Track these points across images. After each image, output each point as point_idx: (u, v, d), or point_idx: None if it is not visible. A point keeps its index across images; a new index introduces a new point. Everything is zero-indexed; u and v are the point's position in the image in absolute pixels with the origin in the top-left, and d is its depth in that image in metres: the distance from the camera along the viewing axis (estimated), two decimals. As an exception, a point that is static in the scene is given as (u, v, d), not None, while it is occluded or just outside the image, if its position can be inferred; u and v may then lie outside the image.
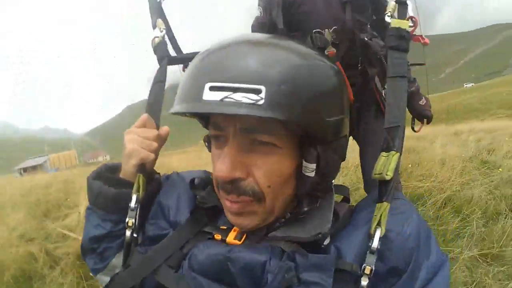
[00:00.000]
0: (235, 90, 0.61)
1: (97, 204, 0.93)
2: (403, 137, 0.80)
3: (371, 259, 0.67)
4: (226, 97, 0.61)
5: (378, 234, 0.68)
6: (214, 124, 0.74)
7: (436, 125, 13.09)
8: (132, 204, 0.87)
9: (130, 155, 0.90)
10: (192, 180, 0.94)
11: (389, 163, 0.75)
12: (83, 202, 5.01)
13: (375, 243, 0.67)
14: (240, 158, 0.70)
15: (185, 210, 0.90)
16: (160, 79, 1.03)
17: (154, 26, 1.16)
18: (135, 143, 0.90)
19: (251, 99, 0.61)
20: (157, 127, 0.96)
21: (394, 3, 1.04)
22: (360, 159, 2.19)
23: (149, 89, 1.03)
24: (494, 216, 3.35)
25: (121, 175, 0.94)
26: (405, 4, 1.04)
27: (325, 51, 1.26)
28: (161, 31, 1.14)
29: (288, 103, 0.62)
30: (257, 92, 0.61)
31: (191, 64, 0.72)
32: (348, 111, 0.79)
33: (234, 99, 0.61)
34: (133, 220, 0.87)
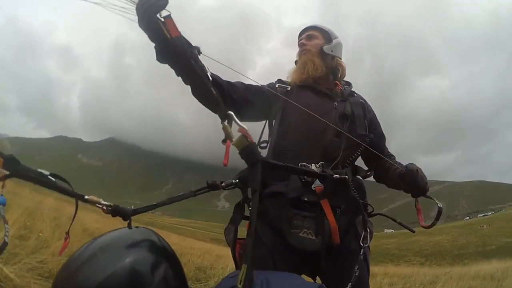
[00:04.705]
0: None
1: None
2: (250, 251, 0.99)
3: None
4: None
5: None
6: None
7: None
8: None
9: None
10: None
11: (241, 274, 0.94)
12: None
13: None
14: None
15: None
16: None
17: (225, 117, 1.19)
18: None
19: None
20: None
21: (225, 124, 1.20)
22: None
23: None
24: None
25: None
26: (225, 119, 1.20)
27: (312, 187, 1.76)
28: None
29: None
30: None
31: None
32: None
33: None
34: None
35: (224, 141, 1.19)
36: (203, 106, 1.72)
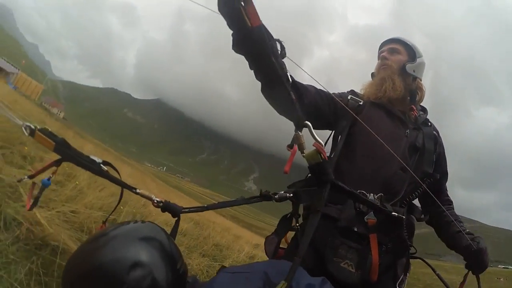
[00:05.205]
0: None
1: None
2: (294, 270, 1.00)
3: None
4: None
5: None
6: None
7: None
8: None
9: None
10: None
11: None
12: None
13: None
14: None
15: None
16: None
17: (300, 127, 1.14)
18: None
19: None
20: None
21: (299, 133, 1.13)
22: None
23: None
24: None
25: None
26: (300, 128, 1.13)
27: (365, 218, 1.69)
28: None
29: None
30: None
31: None
32: None
33: None
34: None
35: (290, 146, 1.12)
36: (257, 88, 1.56)
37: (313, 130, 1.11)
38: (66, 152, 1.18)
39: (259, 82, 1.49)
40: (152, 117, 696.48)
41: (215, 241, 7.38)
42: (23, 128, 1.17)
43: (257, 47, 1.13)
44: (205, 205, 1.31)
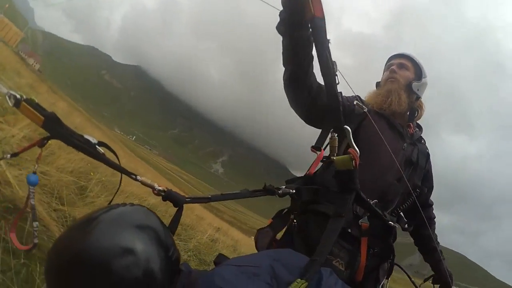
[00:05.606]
0: None
1: None
2: (316, 270, 1.01)
3: None
4: None
5: None
6: None
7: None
8: None
9: None
10: None
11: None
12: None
13: None
14: None
15: None
16: None
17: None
18: None
19: None
20: None
21: (335, 135, 1.16)
22: None
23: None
24: None
25: None
26: (339, 131, 1.16)
27: (359, 221, 1.75)
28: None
29: None
30: None
31: None
32: None
33: None
34: None
35: (317, 149, 1.12)
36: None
37: (351, 136, 1.11)
38: (56, 129, 1.04)
39: (289, 73, 1.53)
40: (129, 84, 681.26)
41: (181, 220, 7.36)
42: (6, 97, 1.02)
43: (314, 38, 1.08)
44: (209, 196, 1.29)
